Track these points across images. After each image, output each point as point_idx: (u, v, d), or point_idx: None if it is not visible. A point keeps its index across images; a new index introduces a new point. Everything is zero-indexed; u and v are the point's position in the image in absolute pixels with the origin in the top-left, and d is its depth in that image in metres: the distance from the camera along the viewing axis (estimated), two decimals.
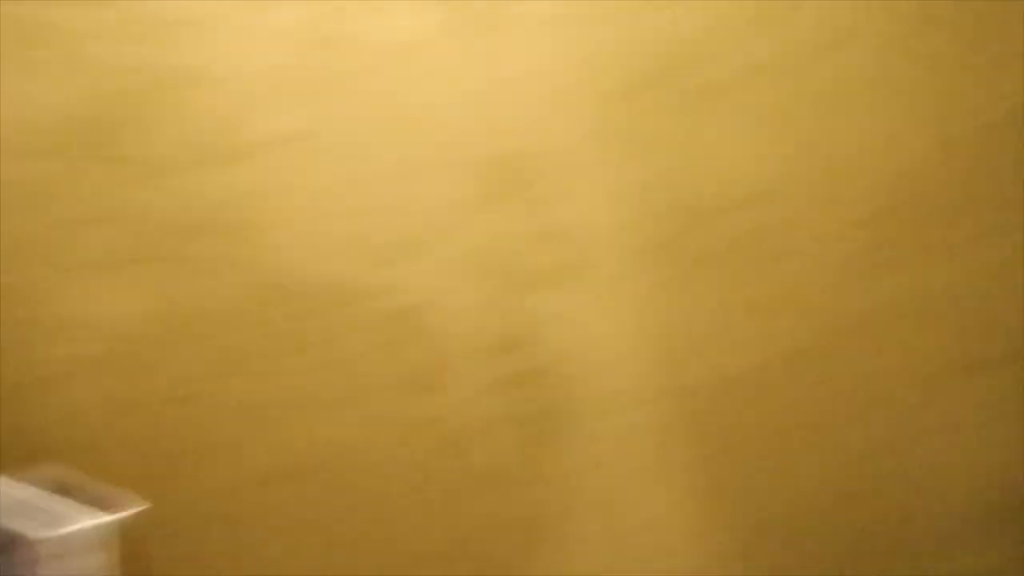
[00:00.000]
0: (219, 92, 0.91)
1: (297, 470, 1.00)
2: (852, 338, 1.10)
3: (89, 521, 0.55)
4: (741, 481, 1.17)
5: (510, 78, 1.00)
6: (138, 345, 0.93)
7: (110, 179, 0.90)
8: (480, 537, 1.08)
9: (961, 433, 1.10)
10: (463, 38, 0.99)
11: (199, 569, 0.94)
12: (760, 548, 1.18)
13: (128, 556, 0.56)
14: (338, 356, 0.99)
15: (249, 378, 0.97)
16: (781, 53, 1.04)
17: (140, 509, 0.57)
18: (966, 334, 1.10)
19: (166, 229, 0.92)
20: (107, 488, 0.59)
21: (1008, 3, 1.04)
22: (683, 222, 1.06)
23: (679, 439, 1.13)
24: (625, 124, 1.02)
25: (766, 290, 1.09)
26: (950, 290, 1.08)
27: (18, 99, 0.87)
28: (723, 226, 1.07)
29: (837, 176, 1.07)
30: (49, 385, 0.92)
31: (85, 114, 0.89)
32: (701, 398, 1.13)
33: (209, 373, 0.96)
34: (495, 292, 1.03)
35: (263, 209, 0.94)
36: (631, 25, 1.02)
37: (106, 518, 0.56)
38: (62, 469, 0.63)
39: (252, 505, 1.00)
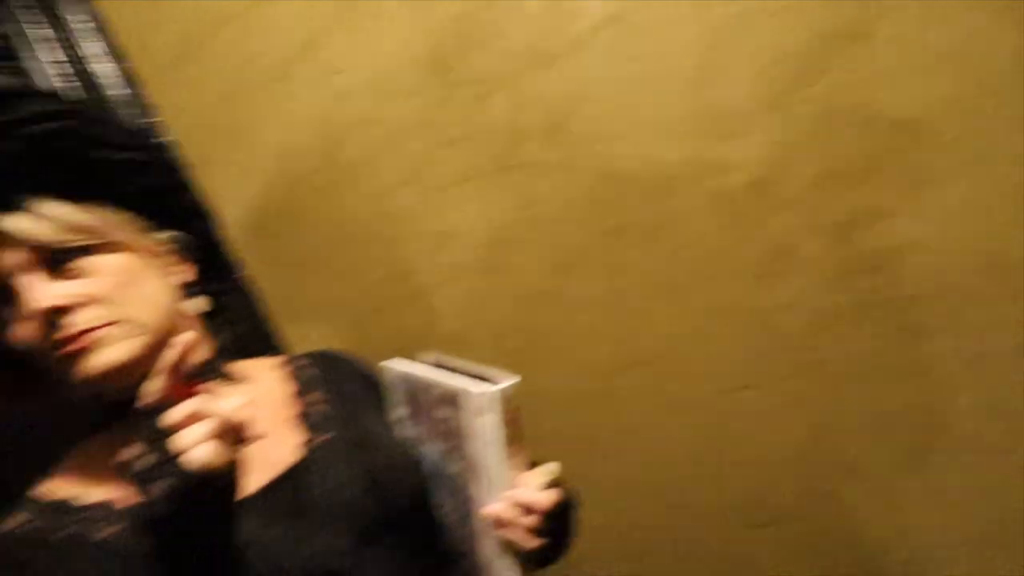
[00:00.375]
0: None
1: (641, 359, 1.03)
2: None
3: (490, 387, 0.63)
4: None
5: None
6: (497, 249, 1.04)
7: (459, 101, 1.00)
8: (840, 435, 0.99)
9: None
10: None
11: (549, 444, 1.04)
12: None
13: (509, 421, 0.63)
14: (680, 243, 0.96)
15: (597, 270, 1.01)
16: None
17: (515, 382, 0.64)
18: None
19: (511, 138, 0.99)
20: (486, 368, 0.67)
21: None
22: None
23: None
24: None
25: None
26: None
27: (375, 49, 1.02)
28: None
29: None
30: (433, 288, 1.10)
31: (428, 48, 0.99)
32: None
33: (561, 268, 1.02)
34: (846, 157, 0.88)
35: (594, 101, 0.95)
36: None
37: (497, 386, 0.63)
38: (445, 355, 0.75)
39: (600, 390, 1.07)
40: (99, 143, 0.64)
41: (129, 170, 0.66)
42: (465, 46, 0.98)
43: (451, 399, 0.66)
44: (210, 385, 0.67)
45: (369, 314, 1.14)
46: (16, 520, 0.59)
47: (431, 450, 0.73)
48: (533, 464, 0.68)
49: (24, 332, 0.58)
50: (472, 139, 1.01)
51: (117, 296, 0.60)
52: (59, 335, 0.57)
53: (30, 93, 0.68)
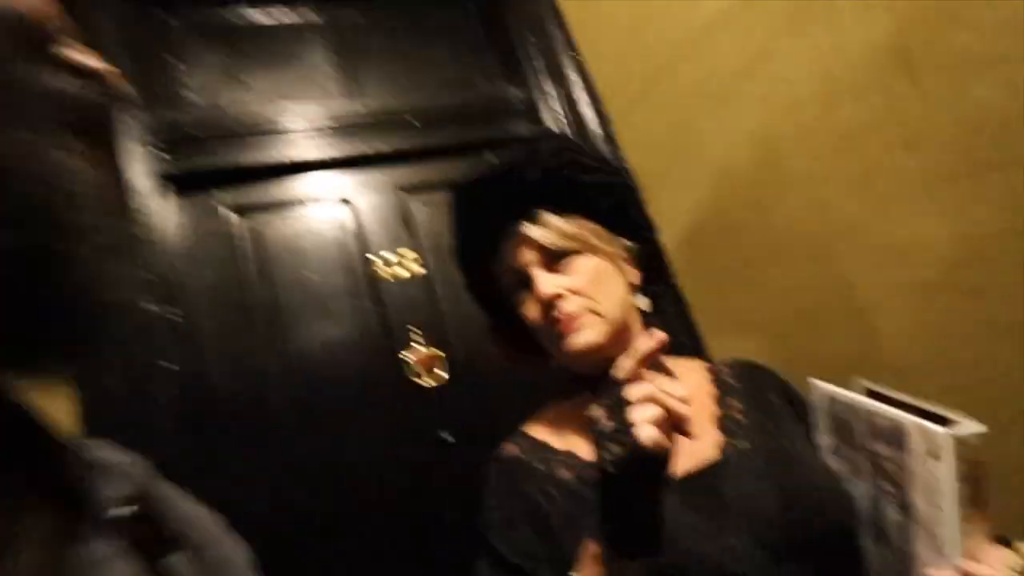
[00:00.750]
0: None
1: None
2: None
3: (949, 428, 0.53)
4: None
5: None
6: (968, 267, 0.86)
7: (928, 93, 0.86)
8: None
9: None
10: None
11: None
12: None
13: (968, 476, 0.52)
14: None
15: None
16: None
17: (981, 431, 0.52)
18: None
19: (998, 132, 0.80)
20: (938, 406, 0.56)
21: None
22: None
23: None
24: None
25: None
26: None
27: (829, 49, 0.96)
28: None
29: None
30: (878, 309, 0.97)
31: (891, 35, 0.88)
32: None
33: None
34: None
35: None
36: None
37: (958, 429, 0.53)
38: (882, 385, 0.65)
39: None
40: (587, 170, 0.82)
41: (603, 190, 0.83)
42: (939, 26, 0.83)
43: (895, 435, 0.59)
44: (656, 374, 0.77)
45: (799, 331, 1.09)
46: (515, 446, 0.81)
47: (861, 487, 0.67)
48: (997, 539, 0.55)
49: (533, 311, 0.79)
50: (942, 136, 0.85)
51: (591, 290, 0.75)
52: (554, 316, 0.75)
53: (547, 136, 0.91)
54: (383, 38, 1.61)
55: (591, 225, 0.80)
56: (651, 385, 0.55)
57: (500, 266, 0.83)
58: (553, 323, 0.75)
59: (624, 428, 0.53)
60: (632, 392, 0.55)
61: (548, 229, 0.78)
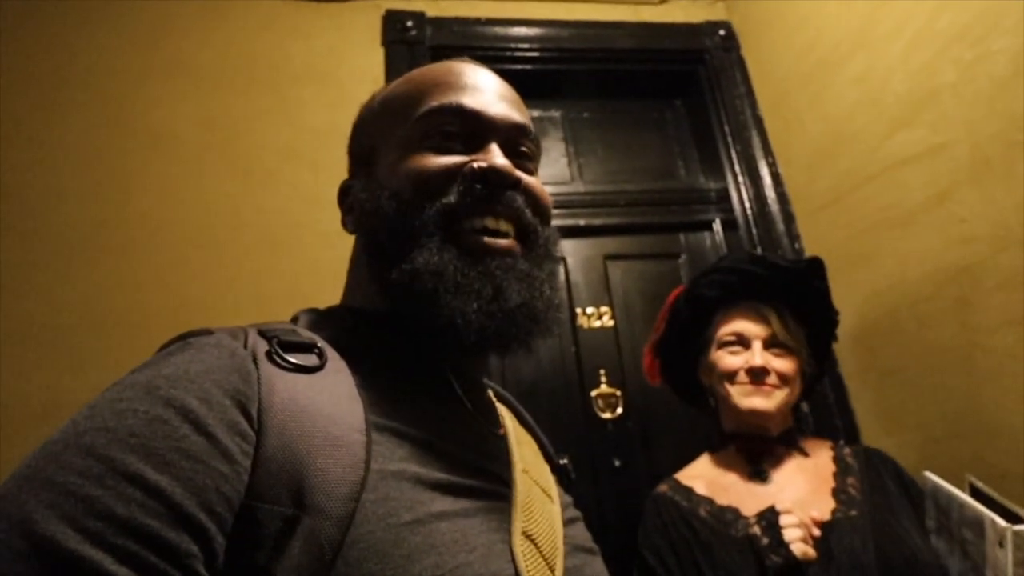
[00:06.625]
0: None
1: None
2: None
3: (1013, 524, 0.70)
4: None
5: None
6: None
7: None
8: None
9: None
10: None
11: None
12: None
13: None
14: None
15: None
16: None
17: None
18: None
19: None
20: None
21: None
22: None
23: None
24: None
25: None
26: None
27: (1004, 202, 1.09)
28: None
29: None
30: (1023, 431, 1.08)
31: None
32: None
33: None
34: None
35: None
36: None
37: (1019, 526, 0.70)
38: (988, 487, 0.82)
39: None
40: (822, 278, 1.06)
41: (814, 294, 1.06)
42: None
43: (977, 524, 0.77)
44: (792, 450, 1.00)
45: (944, 436, 1.22)
46: (666, 487, 1.04)
47: (956, 565, 0.83)
48: None
49: (732, 364, 1.02)
50: None
51: (787, 383, 1.01)
52: (751, 379, 1.00)
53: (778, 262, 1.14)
54: (603, 130, 1.98)
55: (802, 331, 1.05)
56: (797, 516, 0.83)
57: (718, 322, 1.08)
58: (748, 382, 1.00)
59: (780, 543, 0.81)
60: (786, 520, 0.83)
61: (785, 326, 1.03)
